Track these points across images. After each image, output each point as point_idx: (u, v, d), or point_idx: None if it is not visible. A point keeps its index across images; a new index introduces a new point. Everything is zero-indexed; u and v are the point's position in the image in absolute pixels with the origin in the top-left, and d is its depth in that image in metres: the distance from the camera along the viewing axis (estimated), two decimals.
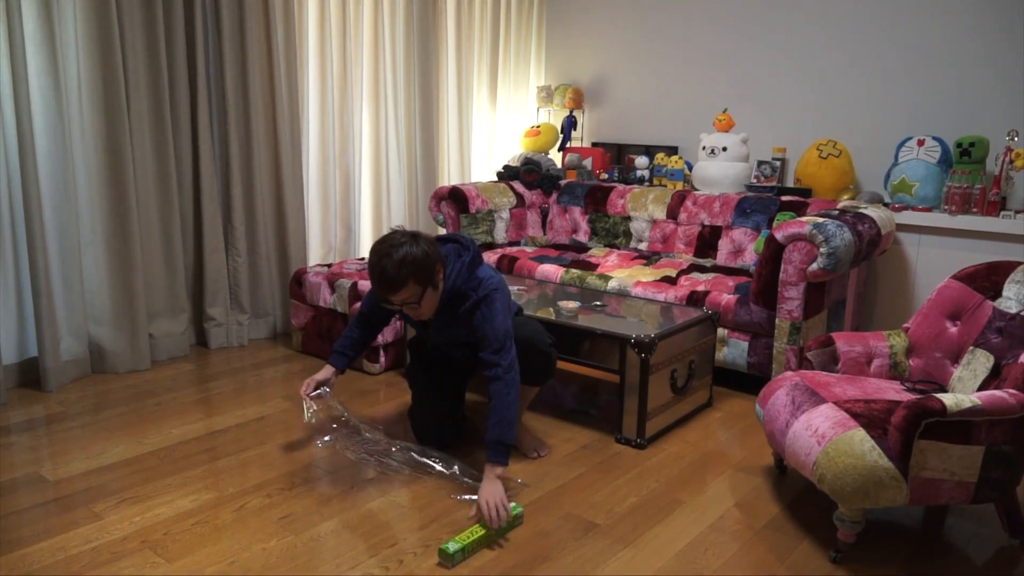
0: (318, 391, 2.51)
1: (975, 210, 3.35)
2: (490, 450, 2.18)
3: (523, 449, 2.57)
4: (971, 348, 2.24)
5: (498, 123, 4.92)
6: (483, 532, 1.99)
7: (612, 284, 3.36)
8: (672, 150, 4.45)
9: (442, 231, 4.14)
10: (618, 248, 4.06)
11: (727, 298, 3.10)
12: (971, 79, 3.54)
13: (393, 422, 2.79)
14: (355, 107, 4.07)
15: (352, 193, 4.14)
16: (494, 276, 2.35)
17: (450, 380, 2.63)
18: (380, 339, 3.25)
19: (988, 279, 2.31)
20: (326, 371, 2.54)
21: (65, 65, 3.00)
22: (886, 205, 3.56)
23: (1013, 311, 2.17)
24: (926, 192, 3.47)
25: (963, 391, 2.17)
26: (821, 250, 2.85)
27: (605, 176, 4.48)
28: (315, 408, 2.49)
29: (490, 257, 3.80)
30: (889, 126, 3.77)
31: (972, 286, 2.33)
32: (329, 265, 3.64)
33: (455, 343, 2.47)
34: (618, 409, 2.68)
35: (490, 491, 2.10)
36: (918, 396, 2.02)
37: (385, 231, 4.27)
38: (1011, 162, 3.27)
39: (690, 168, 4.20)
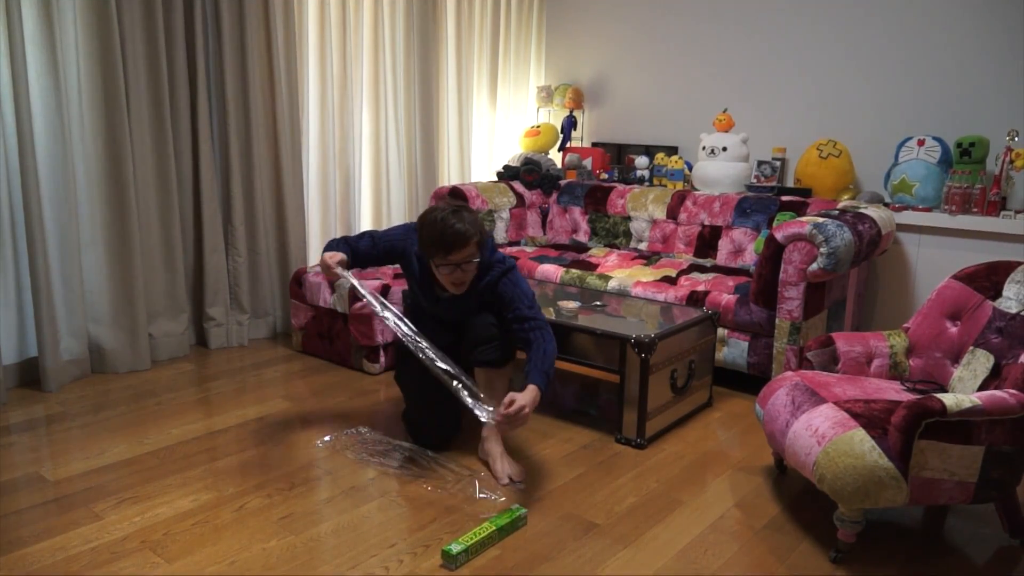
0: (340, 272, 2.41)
1: (975, 210, 3.35)
2: (534, 375, 2.18)
3: (496, 474, 2.38)
4: (971, 348, 2.24)
5: (498, 123, 4.92)
6: (486, 533, 1.99)
7: (612, 284, 3.36)
8: (672, 150, 4.45)
9: None
10: (618, 248, 4.06)
11: (727, 298, 3.10)
12: (971, 79, 3.54)
13: (393, 422, 2.79)
14: (355, 107, 4.06)
15: (352, 193, 4.14)
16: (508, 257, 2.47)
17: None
18: (380, 339, 3.25)
19: (988, 279, 2.31)
20: (337, 256, 2.42)
21: (65, 65, 3.00)
22: (886, 205, 3.56)
23: (1013, 311, 2.17)
24: (926, 192, 3.47)
25: (963, 391, 2.17)
26: (821, 250, 2.85)
27: (605, 176, 4.48)
28: (346, 276, 2.40)
29: None
30: (889, 126, 3.77)
31: (972, 286, 2.33)
32: None
33: (457, 316, 2.50)
34: (618, 409, 2.68)
35: (522, 395, 2.11)
36: (918, 396, 2.02)
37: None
38: (1011, 162, 3.27)
39: (690, 168, 4.20)
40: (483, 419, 2.17)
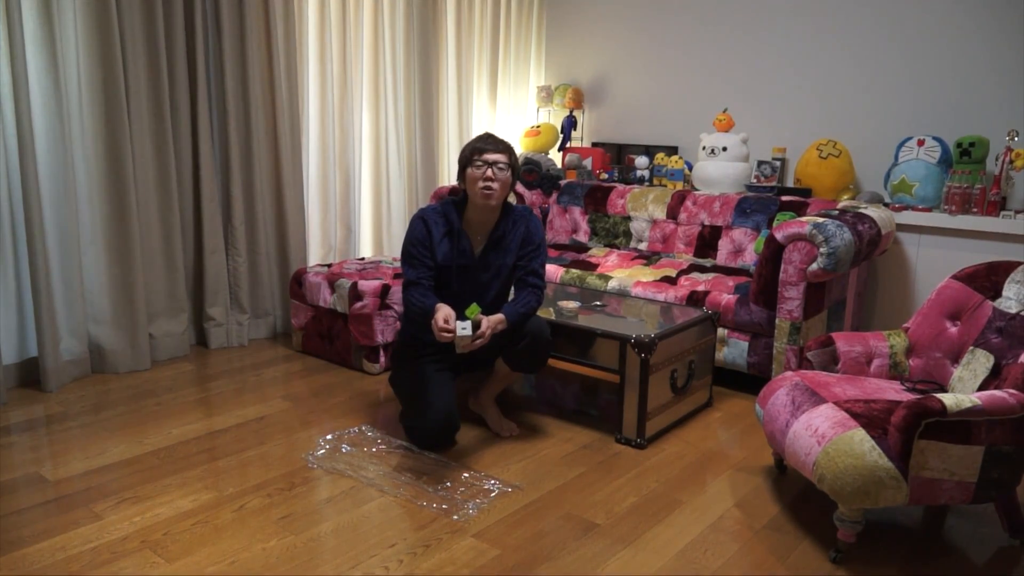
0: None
1: (975, 210, 3.35)
2: (509, 310, 2.51)
3: (493, 428, 2.74)
4: (971, 348, 2.24)
5: (498, 123, 4.92)
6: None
7: (612, 284, 3.36)
8: (672, 150, 4.45)
9: None
10: (618, 248, 4.06)
11: (727, 298, 3.10)
12: (971, 79, 3.54)
13: (393, 422, 2.79)
14: (355, 107, 4.06)
15: (352, 193, 4.14)
16: None
17: (447, 375, 2.63)
18: (380, 339, 3.25)
19: (988, 279, 2.31)
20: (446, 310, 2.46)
21: (65, 65, 3.00)
22: (886, 205, 3.56)
23: (1013, 311, 2.17)
24: (926, 192, 3.47)
25: (963, 391, 2.17)
26: (821, 250, 2.85)
27: (605, 176, 4.48)
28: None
29: None
30: (889, 126, 3.77)
31: (972, 286, 2.33)
32: (329, 265, 3.64)
33: (499, 261, 2.64)
34: (618, 409, 2.68)
35: (493, 318, 2.45)
36: (918, 396, 2.02)
37: (385, 231, 4.30)
38: (1011, 162, 3.27)
39: (690, 168, 4.20)
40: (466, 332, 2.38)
